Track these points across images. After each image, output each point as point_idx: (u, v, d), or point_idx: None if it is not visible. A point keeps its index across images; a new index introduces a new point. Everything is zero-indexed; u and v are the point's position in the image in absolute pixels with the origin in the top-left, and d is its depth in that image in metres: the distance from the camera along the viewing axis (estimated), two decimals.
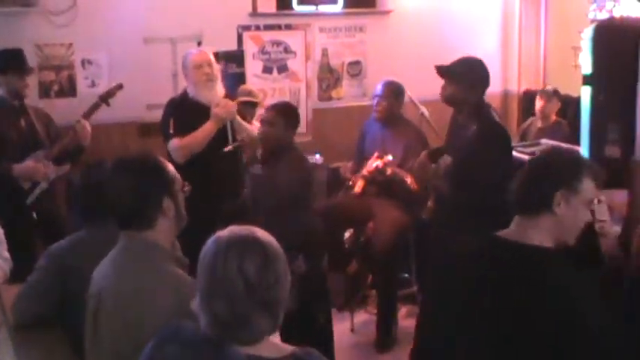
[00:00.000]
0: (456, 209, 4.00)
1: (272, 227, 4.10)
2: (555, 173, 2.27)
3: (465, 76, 4.01)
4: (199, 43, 6.00)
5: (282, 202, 4.11)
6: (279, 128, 4.21)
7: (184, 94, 4.50)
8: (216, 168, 4.23)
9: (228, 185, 4.41)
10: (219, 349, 1.76)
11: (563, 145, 4.85)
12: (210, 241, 1.80)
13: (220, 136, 4.37)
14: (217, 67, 4.50)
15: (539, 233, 2.24)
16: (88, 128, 4.69)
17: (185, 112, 4.38)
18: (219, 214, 3.82)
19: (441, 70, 4.05)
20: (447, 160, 4.08)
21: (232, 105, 4.40)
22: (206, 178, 4.01)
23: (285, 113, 4.28)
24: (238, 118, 4.44)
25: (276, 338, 1.86)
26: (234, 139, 4.39)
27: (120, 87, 4.83)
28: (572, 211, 2.26)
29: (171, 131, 4.32)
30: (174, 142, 4.28)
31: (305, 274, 4.08)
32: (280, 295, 1.78)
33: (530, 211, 2.26)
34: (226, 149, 4.32)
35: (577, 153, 2.52)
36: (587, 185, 2.26)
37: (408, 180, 4.86)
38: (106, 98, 4.77)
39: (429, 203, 4.70)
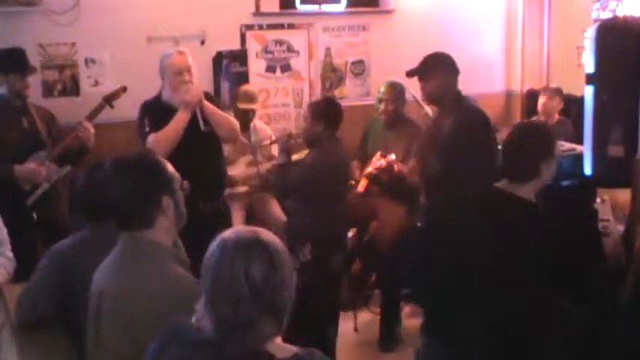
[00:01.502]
0: (447, 197, 4.07)
1: (294, 214, 4.18)
2: (540, 148, 2.94)
3: (435, 70, 4.16)
4: (202, 42, 6.01)
5: (302, 190, 4.22)
6: (309, 122, 4.32)
7: (158, 96, 4.37)
8: (192, 168, 4.08)
9: (206, 185, 4.31)
10: (223, 351, 1.75)
11: (566, 144, 4.85)
12: (215, 244, 1.78)
13: (191, 124, 4.26)
14: (195, 71, 4.37)
15: (526, 192, 2.93)
16: (91, 130, 4.68)
17: (158, 113, 4.27)
18: (195, 214, 3.53)
19: (412, 73, 4.22)
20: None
21: (197, 88, 4.30)
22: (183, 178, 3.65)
23: (314, 108, 4.37)
24: (206, 102, 4.34)
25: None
26: (206, 124, 4.31)
27: (124, 89, 4.81)
28: (550, 171, 2.96)
29: (147, 129, 4.23)
30: (152, 138, 4.18)
31: (308, 263, 4.11)
32: (286, 299, 1.77)
33: (521, 179, 2.93)
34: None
35: (543, 124, 3.06)
36: (557, 147, 3.01)
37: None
38: (109, 100, 4.76)
39: (421, 199, 4.76)
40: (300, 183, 4.22)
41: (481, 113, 4.19)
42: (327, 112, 4.31)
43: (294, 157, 5.22)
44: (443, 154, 4.10)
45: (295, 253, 4.15)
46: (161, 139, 4.15)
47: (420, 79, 4.18)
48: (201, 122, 4.24)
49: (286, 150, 4.46)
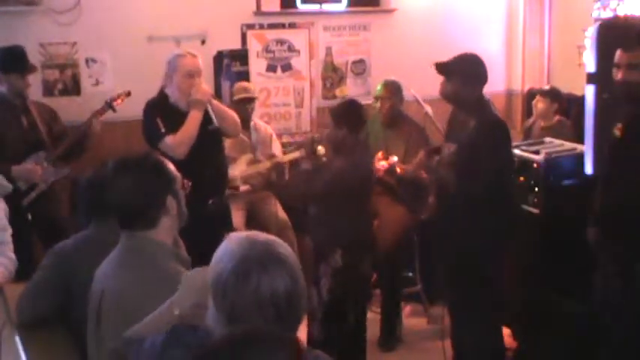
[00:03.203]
0: (459, 200, 4.02)
1: (319, 221, 4.13)
2: None
3: (463, 73, 4.04)
4: (203, 42, 6.01)
5: (326, 196, 4.15)
6: (331, 127, 4.25)
7: (163, 95, 4.30)
8: (203, 165, 4.11)
9: (215, 181, 4.31)
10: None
11: (567, 143, 4.85)
12: (229, 257, 1.68)
13: (203, 122, 4.23)
14: (202, 72, 4.34)
15: None
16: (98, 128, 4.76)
17: (168, 113, 4.22)
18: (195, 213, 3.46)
19: (440, 68, 4.09)
20: (450, 147, 4.12)
21: (205, 87, 4.26)
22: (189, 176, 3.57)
23: (334, 113, 4.30)
24: (213, 100, 4.32)
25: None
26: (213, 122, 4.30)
27: (128, 94, 4.83)
28: None
29: (162, 130, 4.15)
30: (170, 140, 4.11)
31: (340, 270, 4.10)
32: (303, 310, 1.72)
33: None
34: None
35: None
36: None
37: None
38: (111, 104, 4.79)
39: (430, 199, 4.72)
40: (330, 189, 4.11)
41: (501, 121, 4.15)
42: (347, 116, 4.21)
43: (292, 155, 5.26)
44: (461, 154, 4.03)
45: (326, 259, 4.15)
46: (181, 141, 4.11)
47: (443, 76, 4.13)
48: (214, 119, 4.23)
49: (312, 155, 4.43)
